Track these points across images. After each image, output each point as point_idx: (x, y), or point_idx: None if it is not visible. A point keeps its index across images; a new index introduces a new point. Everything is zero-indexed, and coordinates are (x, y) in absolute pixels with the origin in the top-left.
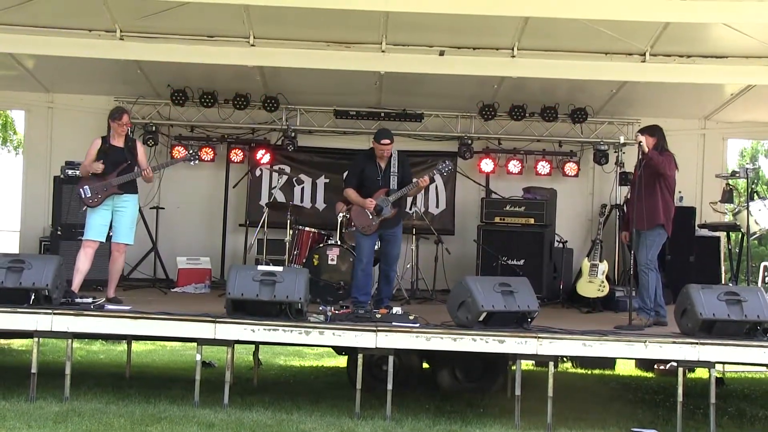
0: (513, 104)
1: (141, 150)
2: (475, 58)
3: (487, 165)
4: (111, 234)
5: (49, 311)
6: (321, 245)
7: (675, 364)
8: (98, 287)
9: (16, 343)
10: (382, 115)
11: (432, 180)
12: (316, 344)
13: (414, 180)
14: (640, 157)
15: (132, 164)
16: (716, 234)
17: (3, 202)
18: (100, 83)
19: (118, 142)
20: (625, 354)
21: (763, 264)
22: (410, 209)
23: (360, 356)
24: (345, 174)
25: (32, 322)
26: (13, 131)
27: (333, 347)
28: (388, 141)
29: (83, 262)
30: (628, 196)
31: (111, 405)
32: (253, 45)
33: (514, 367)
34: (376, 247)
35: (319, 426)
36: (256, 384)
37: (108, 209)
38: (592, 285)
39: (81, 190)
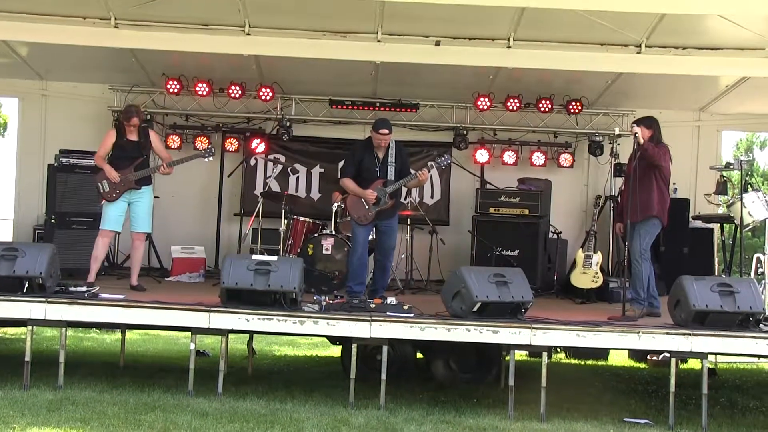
0: (508, 95)
1: (156, 139)
2: (471, 48)
3: (482, 155)
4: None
5: (43, 299)
6: (316, 235)
7: (668, 354)
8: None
9: (10, 332)
10: (378, 105)
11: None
12: (310, 334)
13: (413, 172)
14: (634, 148)
15: (147, 159)
16: (710, 226)
17: None
18: (94, 71)
19: (132, 136)
20: (619, 345)
21: (756, 255)
22: (405, 199)
23: (354, 346)
24: (341, 163)
25: (26, 311)
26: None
27: (327, 337)
28: (386, 131)
29: (101, 251)
30: (623, 188)
31: (105, 393)
32: (248, 34)
33: (507, 358)
34: (371, 236)
35: (312, 415)
36: (250, 373)
37: (125, 201)
38: (586, 276)
39: (99, 184)
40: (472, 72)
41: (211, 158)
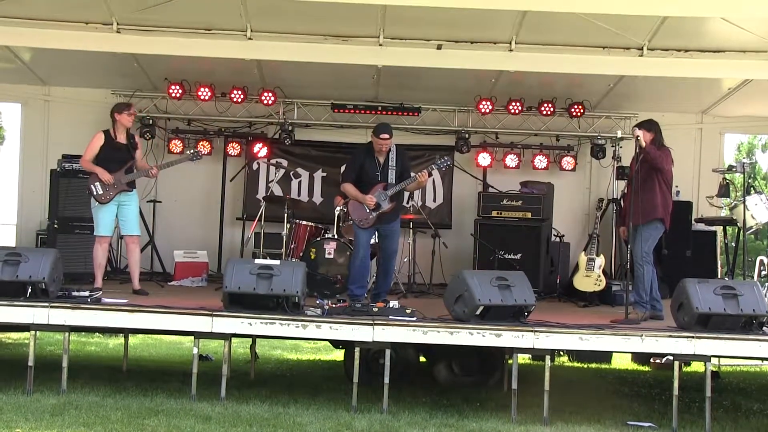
0: (510, 98)
1: (140, 145)
2: (473, 52)
3: (484, 159)
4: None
5: (46, 304)
6: (318, 239)
7: (671, 357)
8: (92, 281)
9: (13, 336)
10: (380, 108)
11: (430, 174)
12: (313, 338)
13: (413, 175)
14: (637, 151)
15: (134, 161)
16: (713, 228)
17: None
18: (97, 76)
19: (121, 138)
20: (622, 348)
21: (759, 258)
22: (407, 203)
23: (357, 350)
24: (343, 168)
25: (29, 316)
26: None
27: (330, 341)
28: (387, 136)
29: (102, 257)
30: (625, 191)
31: (108, 398)
32: (250, 38)
33: (510, 361)
34: (373, 240)
35: (315, 419)
36: (253, 377)
37: (115, 204)
38: (589, 279)
39: (93, 186)
40: (473, 75)
41: (199, 159)
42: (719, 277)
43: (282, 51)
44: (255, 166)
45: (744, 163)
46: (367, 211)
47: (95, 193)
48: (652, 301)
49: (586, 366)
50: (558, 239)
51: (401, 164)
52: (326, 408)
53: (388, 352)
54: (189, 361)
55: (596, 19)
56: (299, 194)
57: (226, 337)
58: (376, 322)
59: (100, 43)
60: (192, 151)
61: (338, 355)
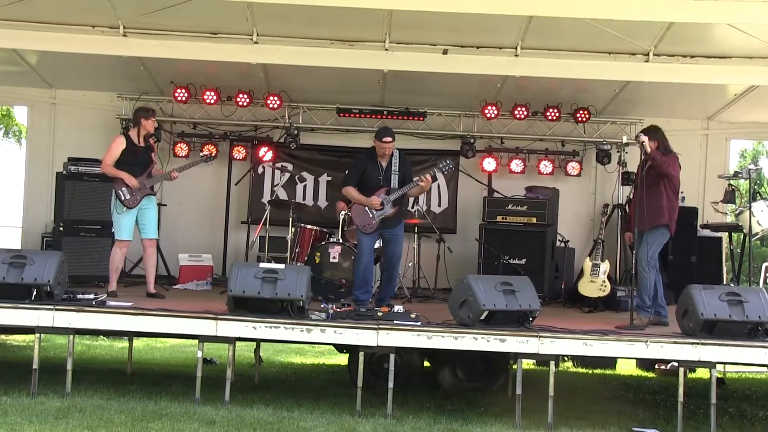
0: (516, 103)
1: (155, 148)
2: (479, 57)
3: (489, 164)
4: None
5: (51, 307)
6: (323, 243)
7: (676, 364)
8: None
9: (18, 339)
10: (385, 113)
11: (434, 179)
12: (317, 342)
13: (415, 179)
14: (642, 158)
15: (154, 164)
16: (718, 234)
17: (5, 197)
18: (103, 79)
19: (141, 141)
20: (626, 354)
21: (764, 265)
22: (412, 208)
23: (361, 354)
24: (345, 173)
25: (34, 318)
26: (14, 124)
27: (334, 345)
28: (390, 139)
29: (120, 260)
30: (631, 196)
31: (112, 401)
32: (256, 42)
33: (515, 366)
34: (377, 245)
35: (319, 424)
36: (257, 381)
37: (136, 208)
38: (594, 285)
39: (120, 191)
40: (479, 80)
41: (212, 161)
42: (724, 283)
43: (288, 55)
44: (260, 169)
45: (750, 169)
46: (370, 215)
47: (123, 198)
48: (656, 306)
49: (590, 372)
50: (563, 244)
51: (404, 169)
52: (330, 412)
53: (392, 356)
54: (193, 365)
55: (602, 25)
56: (304, 198)
57: (231, 340)
58: (380, 326)
59: (107, 47)
60: (205, 153)
61: (342, 359)
